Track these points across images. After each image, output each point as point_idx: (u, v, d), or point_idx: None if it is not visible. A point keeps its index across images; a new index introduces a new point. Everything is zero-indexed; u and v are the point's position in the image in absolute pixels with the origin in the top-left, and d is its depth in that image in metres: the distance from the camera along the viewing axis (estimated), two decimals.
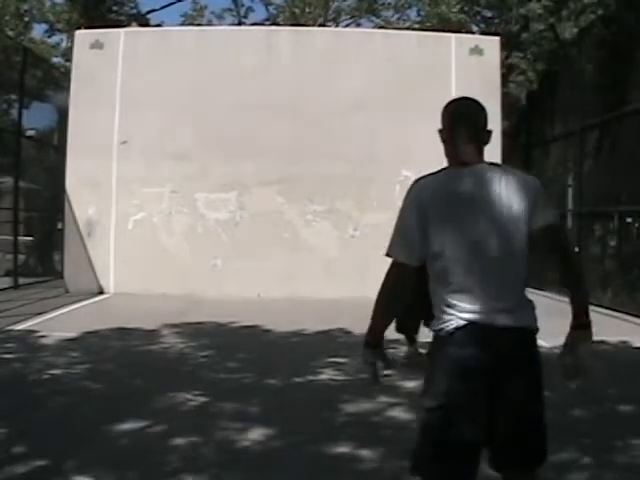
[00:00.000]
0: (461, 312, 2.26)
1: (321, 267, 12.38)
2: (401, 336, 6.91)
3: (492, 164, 2.39)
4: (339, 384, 5.79)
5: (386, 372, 2.44)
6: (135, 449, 4.04)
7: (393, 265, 2.38)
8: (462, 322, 2.25)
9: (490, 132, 2.43)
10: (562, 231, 2.31)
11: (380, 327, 2.44)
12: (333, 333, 8.24)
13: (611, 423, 4.55)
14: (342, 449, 4.10)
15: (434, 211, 2.30)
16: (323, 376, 6.03)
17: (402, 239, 2.35)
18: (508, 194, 2.28)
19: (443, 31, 15.31)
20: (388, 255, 2.39)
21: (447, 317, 2.29)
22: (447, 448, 2.25)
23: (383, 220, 11.38)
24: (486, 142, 2.43)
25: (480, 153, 2.40)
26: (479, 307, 2.25)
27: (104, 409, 4.86)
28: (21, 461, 3.74)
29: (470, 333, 2.24)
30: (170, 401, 5.08)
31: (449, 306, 2.29)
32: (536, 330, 2.33)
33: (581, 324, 2.30)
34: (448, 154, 2.47)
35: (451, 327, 2.27)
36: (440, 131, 2.53)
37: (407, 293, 2.40)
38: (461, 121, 2.45)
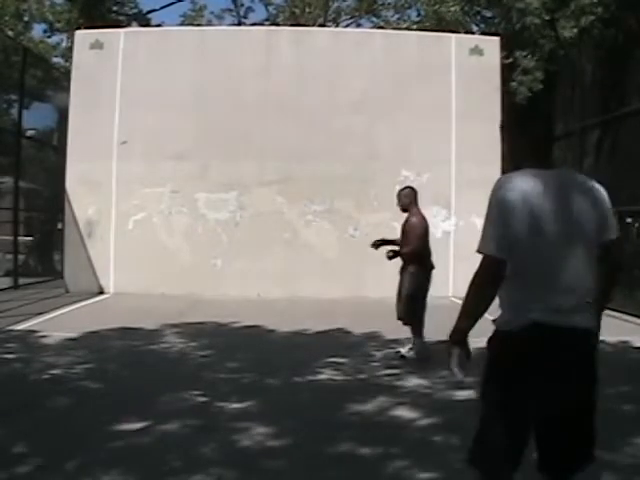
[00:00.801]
0: (526, 311, 2.32)
1: (321, 267, 12.38)
2: (401, 336, 6.93)
3: (570, 170, 2.52)
4: (339, 384, 5.79)
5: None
6: (135, 449, 4.03)
7: (485, 260, 2.39)
8: (527, 321, 2.31)
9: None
10: (621, 247, 2.46)
11: (471, 322, 2.44)
12: (333, 333, 8.24)
13: (611, 423, 4.54)
14: (343, 448, 4.10)
15: (517, 207, 2.35)
16: (323, 376, 6.04)
17: (493, 234, 2.38)
18: (584, 202, 2.38)
19: (443, 31, 15.32)
20: (479, 251, 2.41)
21: (512, 315, 2.36)
22: (502, 444, 2.34)
23: (383, 220, 11.41)
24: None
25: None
26: (544, 307, 2.31)
27: (104, 409, 4.87)
28: (21, 461, 3.74)
29: (533, 333, 2.30)
30: (170, 401, 5.08)
31: (515, 304, 2.35)
32: (598, 334, 2.43)
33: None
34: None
35: (514, 324, 2.34)
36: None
37: (496, 292, 2.40)
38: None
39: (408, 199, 6.83)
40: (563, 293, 2.33)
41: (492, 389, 2.44)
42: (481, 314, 2.44)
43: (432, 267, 6.76)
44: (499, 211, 2.37)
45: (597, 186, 2.47)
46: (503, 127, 2.97)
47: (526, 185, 2.39)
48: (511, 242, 2.34)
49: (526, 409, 2.34)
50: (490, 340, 2.48)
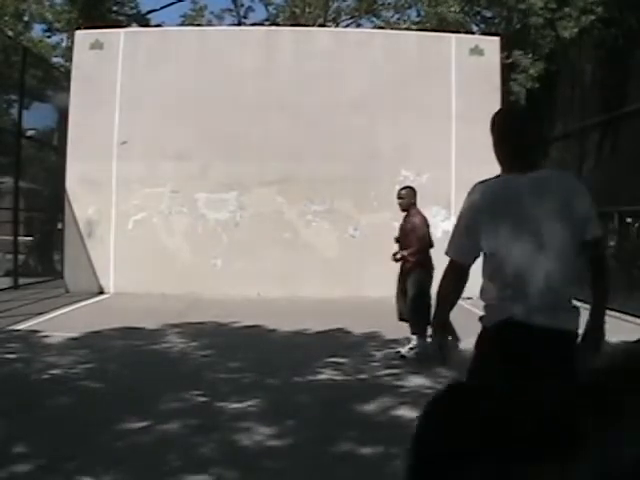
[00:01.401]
0: (506, 308, 2.42)
1: (321, 267, 12.38)
2: (400, 336, 6.93)
3: (549, 170, 2.60)
4: (339, 384, 5.79)
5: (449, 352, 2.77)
6: (135, 449, 4.04)
7: (449, 262, 2.64)
8: (505, 317, 2.42)
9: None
10: (603, 244, 2.50)
11: (445, 311, 2.73)
12: (333, 333, 8.24)
13: None
14: (343, 448, 4.10)
15: (489, 213, 2.47)
16: (323, 376, 6.04)
17: (459, 241, 2.58)
18: (563, 203, 2.43)
19: (443, 31, 15.32)
20: (447, 254, 2.65)
21: (493, 312, 2.48)
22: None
23: (383, 220, 11.41)
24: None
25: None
26: (523, 305, 2.40)
27: (104, 409, 4.87)
28: (21, 461, 3.74)
29: (511, 329, 2.40)
30: (170, 401, 5.08)
31: (496, 302, 2.47)
32: (576, 334, 2.47)
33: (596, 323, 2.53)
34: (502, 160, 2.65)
35: (494, 321, 2.46)
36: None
37: (463, 287, 2.65)
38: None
39: (408, 199, 6.84)
40: (539, 293, 2.40)
41: (471, 379, 2.52)
42: (452, 305, 2.73)
43: (433, 268, 6.77)
44: (466, 218, 2.54)
45: (579, 186, 2.52)
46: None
47: (498, 190, 2.50)
48: (480, 248, 2.49)
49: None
50: (477, 338, 2.62)
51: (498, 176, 2.60)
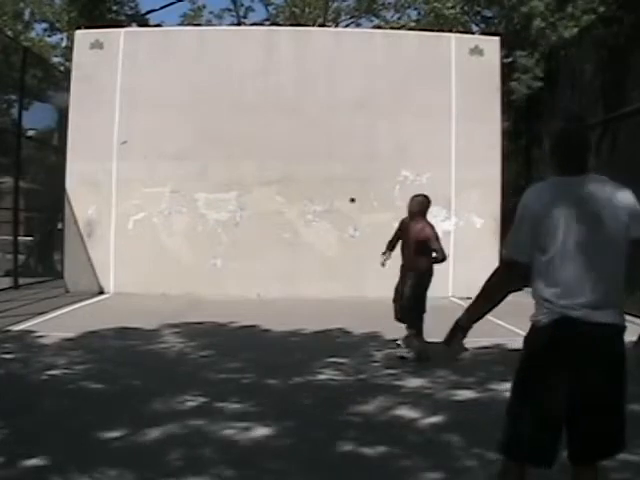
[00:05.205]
0: (556, 306, 2.50)
1: (321, 267, 12.38)
2: (401, 336, 6.93)
3: (597, 175, 2.65)
4: (339, 384, 5.79)
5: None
6: (135, 449, 4.03)
7: (503, 261, 2.72)
8: (556, 315, 2.51)
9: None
10: None
11: (477, 316, 2.73)
12: (333, 333, 8.24)
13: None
14: (343, 449, 4.10)
15: (543, 212, 2.56)
16: (323, 376, 6.03)
17: (513, 239, 2.67)
18: (608, 204, 2.54)
19: (441, 31, 15.32)
20: (505, 254, 2.76)
21: (544, 310, 2.55)
22: (533, 433, 2.51)
23: (383, 220, 11.40)
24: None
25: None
26: (573, 302, 2.48)
27: (104, 409, 4.87)
28: (21, 461, 3.74)
29: (562, 326, 2.49)
30: (170, 401, 5.08)
31: (546, 300, 2.54)
32: (623, 328, 2.56)
33: None
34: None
35: (546, 319, 2.54)
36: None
37: (512, 288, 2.69)
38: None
39: (418, 208, 6.86)
40: (590, 290, 2.50)
41: (522, 379, 2.62)
42: (489, 309, 2.72)
43: (432, 273, 6.89)
44: (521, 219, 2.62)
45: (622, 188, 2.62)
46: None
47: (552, 193, 2.61)
48: (533, 246, 2.57)
49: (555, 399, 2.50)
50: (526, 335, 2.67)
51: (548, 180, 2.71)
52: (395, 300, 6.93)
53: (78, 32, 13.59)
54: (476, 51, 12.86)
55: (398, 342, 6.89)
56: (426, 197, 7.00)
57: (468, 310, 2.75)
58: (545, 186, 2.68)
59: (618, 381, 2.55)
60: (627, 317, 2.64)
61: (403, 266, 6.91)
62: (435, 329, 6.76)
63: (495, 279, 2.69)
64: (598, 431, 2.52)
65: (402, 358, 6.65)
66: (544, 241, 2.55)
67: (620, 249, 2.54)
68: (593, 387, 2.49)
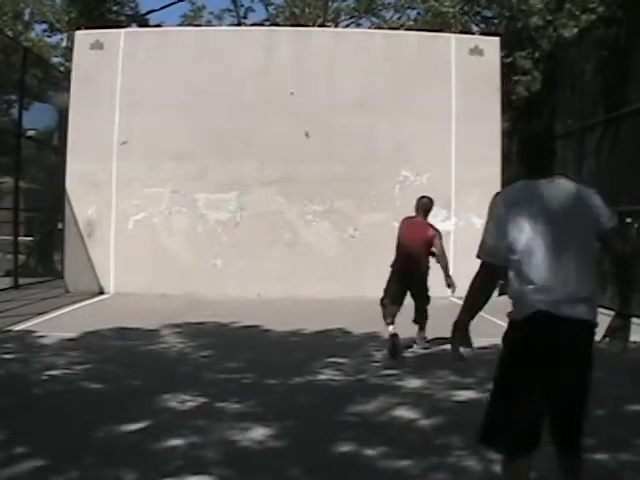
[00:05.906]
0: (531, 302, 2.61)
1: (321, 267, 12.38)
2: (401, 336, 6.94)
3: (563, 178, 2.77)
4: (339, 384, 5.79)
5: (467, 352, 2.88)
6: (135, 449, 4.03)
7: (481, 264, 2.80)
8: (532, 310, 2.62)
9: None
10: (622, 235, 2.68)
11: (468, 318, 2.85)
12: (333, 333, 8.24)
13: (613, 423, 4.55)
14: (343, 449, 4.10)
15: (513, 213, 2.68)
16: (323, 376, 6.03)
17: (486, 243, 2.77)
18: (575, 203, 2.68)
19: (440, 29, 15.32)
20: (477, 257, 2.82)
21: (520, 305, 2.67)
22: (512, 423, 2.65)
23: (383, 220, 11.41)
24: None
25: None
26: (546, 299, 2.59)
27: (104, 409, 4.87)
28: (21, 461, 3.74)
29: (537, 320, 2.61)
30: (170, 401, 5.08)
31: (520, 297, 2.66)
32: (595, 325, 2.68)
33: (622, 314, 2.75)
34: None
35: (523, 315, 2.65)
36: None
37: (493, 290, 2.83)
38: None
39: (424, 209, 7.07)
40: (561, 287, 2.60)
41: (502, 372, 2.75)
42: (479, 309, 2.85)
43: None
44: (493, 222, 2.74)
45: (586, 188, 2.77)
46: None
47: (519, 195, 2.74)
48: (506, 248, 2.68)
49: (532, 388, 2.63)
50: (505, 331, 2.78)
51: (518, 183, 2.83)
52: (384, 304, 6.94)
53: (78, 32, 13.59)
54: (476, 51, 12.86)
55: (416, 343, 7.18)
56: (431, 199, 7.17)
57: (460, 314, 2.87)
58: (511, 190, 2.82)
59: (588, 377, 2.72)
60: (601, 310, 2.72)
61: (403, 266, 6.88)
62: (435, 329, 6.78)
63: (477, 283, 2.80)
64: (572, 414, 2.73)
65: (402, 358, 6.66)
66: (512, 242, 2.66)
67: (589, 246, 2.67)
68: (566, 378, 2.65)
